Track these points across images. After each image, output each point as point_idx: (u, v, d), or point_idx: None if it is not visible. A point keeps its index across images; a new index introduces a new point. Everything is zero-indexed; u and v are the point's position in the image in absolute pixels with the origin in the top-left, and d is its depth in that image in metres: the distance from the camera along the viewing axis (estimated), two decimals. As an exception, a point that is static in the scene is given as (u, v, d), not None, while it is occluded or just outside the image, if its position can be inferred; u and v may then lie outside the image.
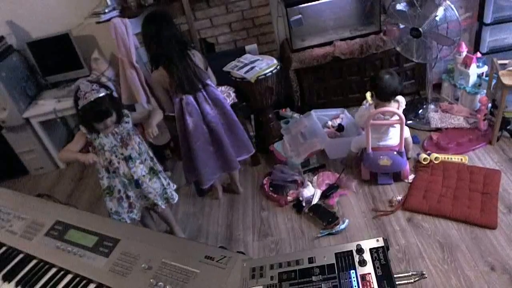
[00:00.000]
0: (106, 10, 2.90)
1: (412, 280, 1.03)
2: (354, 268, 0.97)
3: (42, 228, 1.40)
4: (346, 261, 1.00)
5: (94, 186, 3.12)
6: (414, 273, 1.03)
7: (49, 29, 3.25)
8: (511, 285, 1.75)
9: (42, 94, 3.42)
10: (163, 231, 2.40)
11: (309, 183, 2.55)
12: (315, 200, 2.42)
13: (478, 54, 2.86)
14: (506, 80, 2.38)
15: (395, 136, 2.39)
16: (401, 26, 2.68)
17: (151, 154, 2.13)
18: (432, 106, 3.02)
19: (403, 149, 2.38)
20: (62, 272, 1.26)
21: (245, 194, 2.71)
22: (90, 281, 1.20)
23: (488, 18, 2.92)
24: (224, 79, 2.68)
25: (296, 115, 3.18)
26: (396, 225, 2.19)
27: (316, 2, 2.93)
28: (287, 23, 3.06)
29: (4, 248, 1.40)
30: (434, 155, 2.52)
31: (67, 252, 1.28)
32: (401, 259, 1.99)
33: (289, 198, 2.52)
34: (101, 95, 1.81)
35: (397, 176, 2.48)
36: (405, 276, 1.03)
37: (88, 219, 1.40)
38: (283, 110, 3.28)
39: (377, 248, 1.01)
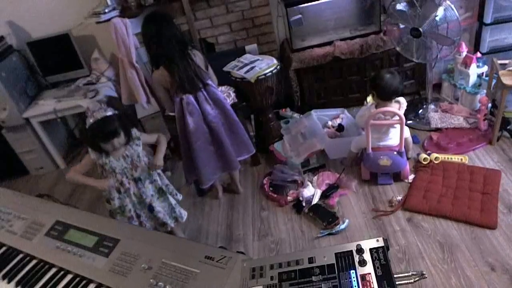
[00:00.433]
0: (106, 10, 2.91)
1: (412, 280, 1.03)
2: (354, 268, 0.97)
3: (42, 228, 1.40)
4: (346, 261, 1.00)
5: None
6: (414, 273, 1.04)
7: (49, 29, 3.25)
8: (511, 285, 1.75)
9: (42, 94, 3.42)
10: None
11: (309, 183, 2.55)
12: (315, 200, 2.42)
13: (478, 54, 2.85)
14: (506, 80, 2.38)
15: (395, 136, 2.39)
16: (401, 26, 2.68)
17: (161, 174, 2.12)
18: (432, 106, 3.02)
19: (403, 149, 2.38)
20: (62, 272, 1.26)
21: (245, 194, 2.71)
22: (90, 281, 1.20)
23: (488, 18, 2.91)
24: (224, 79, 2.68)
25: (296, 115, 3.18)
26: (396, 225, 2.19)
27: (316, 2, 2.93)
28: (287, 23, 3.06)
29: (4, 248, 1.40)
30: (434, 155, 2.52)
31: (67, 252, 1.29)
32: (401, 259, 1.99)
33: (289, 198, 2.52)
34: (108, 113, 1.81)
35: (397, 176, 2.48)
36: (405, 276, 1.03)
37: (88, 219, 1.40)
38: (283, 110, 3.28)
39: (377, 248, 1.01)
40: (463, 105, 2.95)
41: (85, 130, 1.83)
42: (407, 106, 2.42)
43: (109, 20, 2.74)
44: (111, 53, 3.50)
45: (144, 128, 3.13)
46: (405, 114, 2.32)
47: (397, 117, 2.28)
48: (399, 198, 2.33)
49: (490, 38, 3.01)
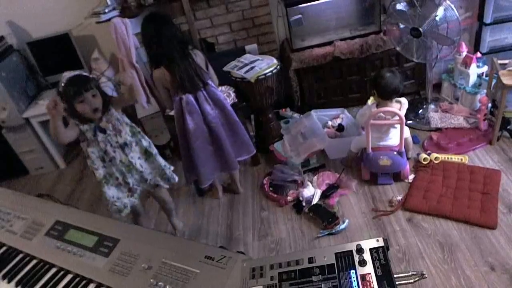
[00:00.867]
0: (106, 10, 2.90)
1: (412, 280, 1.03)
2: (354, 268, 0.97)
3: (42, 228, 1.40)
4: (346, 261, 1.00)
5: (94, 186, 3.12)
6: (414, 273, 1.04)
7: (49, 29, 3.25)
8: (511, 285, 1.75)
9: (42, 94, 3.42)
10: (163, 231, 2.40)
11: (309, 183, 2.55)
12: (315, 200, 2.42)
13: (478, 54, 2.85)
14: (506, 80, 2.38)
15: (395, 136, 2.39)
16: (401, 26, 2.68)
17: (144, 136, 2.07)
18: (432, 106, 3.02)
19: (403, 149, 2.38)
20: (62, 272, 1.26)
21: (245, 194, 2.71)
22: (90, 281, 1.20)
23: (488, 18, 2.92)
24: (224, 79, 2.68)
25: (296, 115, 3.18)
26: (396, 225, 2.19)
27: (316, 2, 2.93)
28: (287, 23, 3.06)
29: (4, 248, 1.40)
30: (434, 155, 2.52)
31: (67, 252, 1.28)
32: (401, 259, 1.99)
33: (289, 198, 2.52)
34: (84, 73, 1.78)
35: (397, 176, 2.48)
36: (405, 276, 1.03)
37: (88, 219, 1.40)
38: (283, 110, 3.29)
39: (377, 248, 1.00)
40: (463, 105, 2.95)
41: (59, 93, 1.75)
42: (407, 106, 2.42)
43: (109, 20, 2.75)
44: (111, 53, 3.50)
45: (144, 128, 3.13)
46: (405, 114, 2.32)
47: (397, 117, 2.28)
48: (399, 198, 2.33)
49: (490, 38, 3.02)
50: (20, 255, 1.35)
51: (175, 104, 2.25)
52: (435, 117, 2.92)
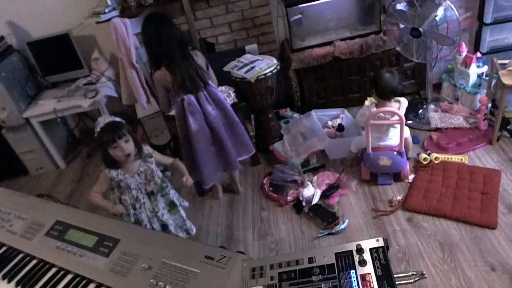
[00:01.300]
0: (106, 10, 2.91)
1: (412, 280, 1.03)
2: (354, 268, 0.97)
3: (42, 228, 1.40)
4: (346, 261, 1.00)
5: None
6: (414, 273, 1.04)
7: (49, 29, 3.25)
8: (511, 285, 1.75)
9: (42, 94, 3.42)
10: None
11: (309, 183, 2.55)
12: (315, 200, 2.42)
13: (478, 54, 2.85)
14: (506, 80, 2.38)
15: (395, 136, 2.39)
16: (401, 26, 2.68)
17: (169, 186, 2.12)
18: (432, 106, 3.02)
19: (403, 149, 2.38)
20: (62, 272, 1.26)
21: (245, 194, 2.71)
22: (90, 281, 1.20)
23: (488, 18, 2.92)
24: (224, 79, 2.68)
25: (296, 115, 3.18)
26: (396, 225, 2.19)
27: (316, 2, 2.93)
28: (287, 23, 3.06)
29: (4, 248, 1.40)
30: (434, 155, 2.52)
31: (67, 252, 1.29)
32: (401, 259, 1.99)
33: (289, 198, 2.52)
34: (117, 119, 1.83)
35: (397, 176, 2.48)
36: (405, 276, 1.03)
37: (88, 219, 1.40)
38: (283, 110, 3.28)
39: (377, 248, 1.01)
40: (463, 105, 2.95)
41: (95, 140, 1.83)
42: (407, 106, 2.42)
43: (109, 20, 2.74)
44: (111, 53, 3.50)
45: (144, 128, 3.13)
46: (405, 114, 2.32)
47: (396, 117, 2.28)
48: (399, 198, 2.33)
49: (490, 38, 3.02)
50: (20, 255, 1.36)
51: (176, 105, 2.25)
52: (435, 117, 2.92)
